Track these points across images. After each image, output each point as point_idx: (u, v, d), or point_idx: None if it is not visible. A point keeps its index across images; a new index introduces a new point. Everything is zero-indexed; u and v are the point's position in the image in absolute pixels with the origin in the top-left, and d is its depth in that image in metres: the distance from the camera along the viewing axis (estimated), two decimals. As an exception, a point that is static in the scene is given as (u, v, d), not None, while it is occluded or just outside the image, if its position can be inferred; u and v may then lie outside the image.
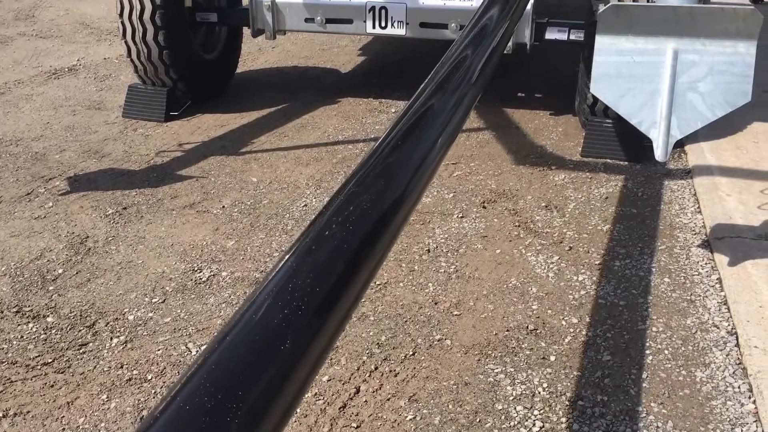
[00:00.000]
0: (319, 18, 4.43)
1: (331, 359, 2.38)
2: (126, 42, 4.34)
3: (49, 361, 2.38)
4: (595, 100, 3.92)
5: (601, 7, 3.74)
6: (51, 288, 2.77)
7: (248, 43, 5.76)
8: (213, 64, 4.86)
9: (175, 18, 4.36)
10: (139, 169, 3.81)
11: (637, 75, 2.49)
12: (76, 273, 2.86)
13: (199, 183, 3.65)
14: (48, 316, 2.61)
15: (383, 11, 4.34)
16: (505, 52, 4.02)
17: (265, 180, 3.70)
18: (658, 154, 2.41)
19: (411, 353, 2.42)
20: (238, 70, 5.33)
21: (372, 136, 4.28)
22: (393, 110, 4.70)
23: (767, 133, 4.06)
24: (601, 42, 2.52)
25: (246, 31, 4.74)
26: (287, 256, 1.13)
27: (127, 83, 4.80)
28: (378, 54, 6.18)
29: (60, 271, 2.88)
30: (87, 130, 4.35)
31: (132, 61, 4.43)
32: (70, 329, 2.54)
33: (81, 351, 2.43)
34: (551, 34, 4.20)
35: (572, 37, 4.16)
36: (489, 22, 2.62)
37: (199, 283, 2.80)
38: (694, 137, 3.82)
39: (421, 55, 5.90)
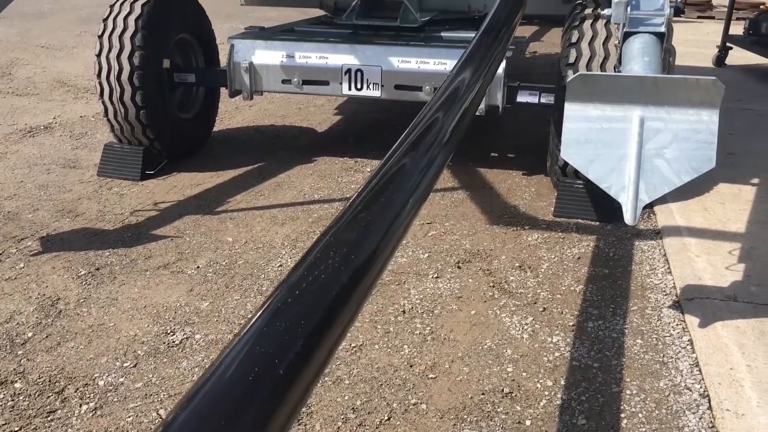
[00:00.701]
0: (296, 79, 4.51)
1: (306, 425, 2.35)
2: (103, 102, 4.37)
3: (16, 429, 2.32)
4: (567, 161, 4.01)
5: (570, 74, 3.88)
6: (20, 352, 2.72)
7: (226, 102, 5.82)
8: (190, 124, 4.90)
9: (153, 78, 4.40)
10: (114, 228, 3.79)
11: (605, 141, 2.56)
12: (46, 336, 2.81)
13: (173, 243, 3.64)
14: (16, 381, 2.55)
15: (359, 73, 4.43)
16: (477, 113, 4.13)
17: (240, 240, 3.70)
18: (628, 218, 2.46)
19: (386, 418, 2.40)
20: (216, 129, 5.38)
21: (347, 195, 4.31)
22: (368, 169, 4.75)
23: (733, 195, 4.17)
24: (571, 109, 2.59)
25: (224, 91, 4.80)
26: (257, 314, 1.13)
27: (103, 141, 4.81)
28: (353, 113, 6.28)
29: (30, 334, 2.83)
30: (61, 189, 4.33)
31: (109, 120, 4.45)
32: (38, 395, 2.48)
33: (49, 419, 2.37)
34: (522, 97, 4.31)
35: (543, 100, 4.27)
36: (461, 85, 2.70)
37: (172, 347, 2.76)
38: (662, 198, 3.91)
39: (396, 115, 6.00)
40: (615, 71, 3.51)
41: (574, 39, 3.94)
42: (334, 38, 4.66)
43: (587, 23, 3.96)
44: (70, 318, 2.95)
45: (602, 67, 3.84)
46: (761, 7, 12.15)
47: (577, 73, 2.50)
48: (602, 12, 2.82)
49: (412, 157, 1.98)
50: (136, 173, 4.47)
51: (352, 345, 2.78)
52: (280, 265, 3.42)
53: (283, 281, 1.26)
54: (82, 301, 3.08)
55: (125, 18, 4.28)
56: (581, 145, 2.59)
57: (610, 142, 2.56)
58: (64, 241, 3.63)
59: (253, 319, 1.13)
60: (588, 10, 4.01)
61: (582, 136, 2.59)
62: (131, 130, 4.44)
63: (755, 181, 4.44)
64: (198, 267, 3.39)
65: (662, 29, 2.58)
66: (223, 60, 4.84)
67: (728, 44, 8.29)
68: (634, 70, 2.56)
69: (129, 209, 4.04)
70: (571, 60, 3.92)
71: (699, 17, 12.57)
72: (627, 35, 2.61)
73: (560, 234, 3.82)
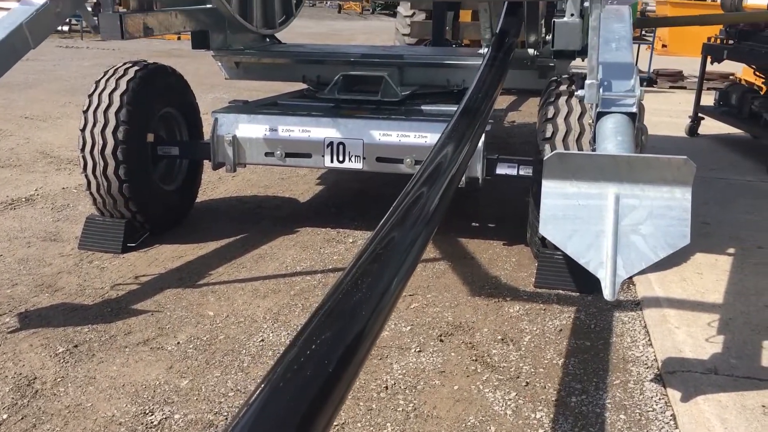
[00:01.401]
0: (279, 152, 4.57)
1: None
2: (86, 175, 4.39)
3: None
4: (546, 234, 4.06)
5: (547, 148, 3.98)
6: (-7, 435, 2.65)
7: (209, 172, 5.86)
8: (173, 196, 4.92)
9: (137, 152, 4.45)
10: (93, 303, 3.76)
11: (582, 217, 2.61)
12: (22, 418, 2.75)
13: (154, 317, 3.61)
14: (-12, 466, 2.49)
15: (341, 146, 4.51)
16: (458, 186, 4.20)
17: (221, 314, 3.67)
18: (607, 293, 2.49)
19: (369, 501, 2.35)
20: (198, 199, 5.40)
21: (330, 267, 4.32)
22: (350, 240, 4.78)
23: (709, 265, 4.23)
24: (548, 186, 2.65)
25: (207, 162, 4.84)
26: (253, 396, 1.16)
27: (84, 213, 4.81)
28: (335, 183, 6.35)
29: (4, 416, 2.76)
30: (41, 263, 4.30)
31: (91, 193, 4.46)
32: (10, 481, 2.41)
33: (21, 506, 2.30)
34: (502, 170, 4.39)
35: (521, 172, 4.35)
36: (444, 160, 2.77)
37: (150, 428, 2.71)
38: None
39: (377, 185, 6.08)
40: (591, 146, 3.60)
41: (550, 114, 4.06)
42: (317, 112, 4.75)
43: (563, 99, 4.08)
44: (46, 398, 2.89)
45: (578, 141, 3.94)
46: (731, 77, 12.60)
47: (554, 152, 2.57)
48: (576, 93, 2.92)
49: (399, 232, 2.03)
50: (117, 246, 4.46)
51: (335, 424, 2.74)
52: (262, 340, 3.40)
53: (279, 360, 1.29)
54: (59, 380, 3.03)
55: (110, 94, 4.35)
56: (559, 221, 2.64)
57: (588, 219, 2.61)
58: (43, 317, 3.59)
59: (253, 397, 1.16)
60: (563, 87, 4.14)
61: (560, 212, 2.64)
62: (113, 203, 4.46)
63: (730, 251, 4.52)
64: (178, 343, 3.36)
65: (634, 110, 2.68)
66: (206, 132, 4.90)
67: (700, 114, 8.54)
68: (608, 149, 2.63)
69: (110, 283, 4.01)
70: (548, 135, 4.02)
71: (671, 87, 12.95)
72: (600, 115, 2.70)
73: (541, 305, 3.84)
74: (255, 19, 5.88)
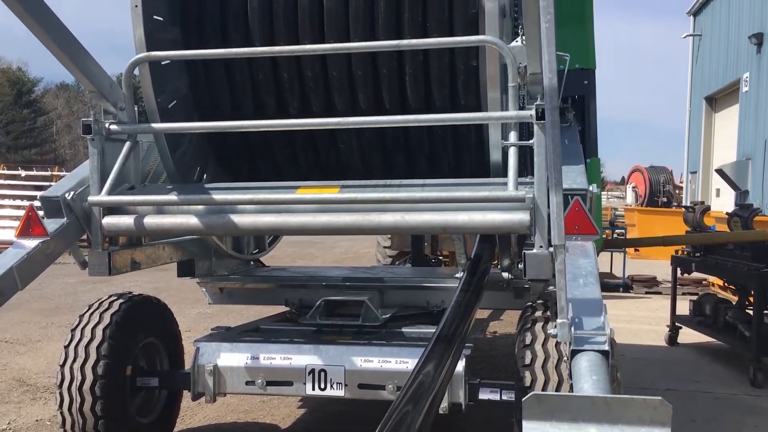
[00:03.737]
0: (259, 381, 4.53)
1: None
2: (62, 413, 4.30)
3: None
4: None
5: (527, 375, 3.98)
6: None
7: (188, 397, 5.76)
8: (149, 428, 4.78)
9: (115, 386, 4.39)
10: None
11: (566, 458, 2.57)
12: None
13: None
14: None
15: (323, 373, 4.49)
16: (441, 412, 4.14)
17: None
18: None
19: None
20: (176, 428, 5.24)
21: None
22: (333, 472, 4.60)
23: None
24: (528, 427, 2.64)
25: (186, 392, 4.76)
26: None
27: (56, 451, 4.64)
28: (318, 405, 6.23)
29: None
30: None
31: (65, 431, 4.34)
32: None
33: None
34: (484, 395, 4.36)
35: (504, 397, 4.33)
36: (426, 378, 2.77)
37: None
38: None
39: (358, 407, 5.96)
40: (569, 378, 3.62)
41: (527, 341, 4.12)
42: (299, 337, 4.79)
43: (539, 325, 4.16)
44: None
45: (557, 368, 3.96)
46: (704, 282, 12.97)
47: (531, 393, 2.59)
48: (549, 332, 3.02)
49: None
50: (88, 487, 4.25)
51: None
52: None
53: None
54: None
55: (93, 328, 4.39)
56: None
57: (571, 459, 2.57)
58: None
59: None
60: (538, 312, 4.25)
61: (542, 454, 2.61)
62: (88, 441, 4.32)
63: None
64: None
65: (606, 347, 2.75)
66: (187, 358, 4.88)
67: (677, 323, 8.67)
68: (585, 389, 2.67)
69: None
70: (527, 362, 4.05)
71: (647, 293, 13.26)
72: (574, 353, 2.76)
73: None
74: (243, 245, 6.10)
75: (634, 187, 40.61)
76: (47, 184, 22.45)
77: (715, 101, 28.61)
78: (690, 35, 30.85)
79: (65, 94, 64.80)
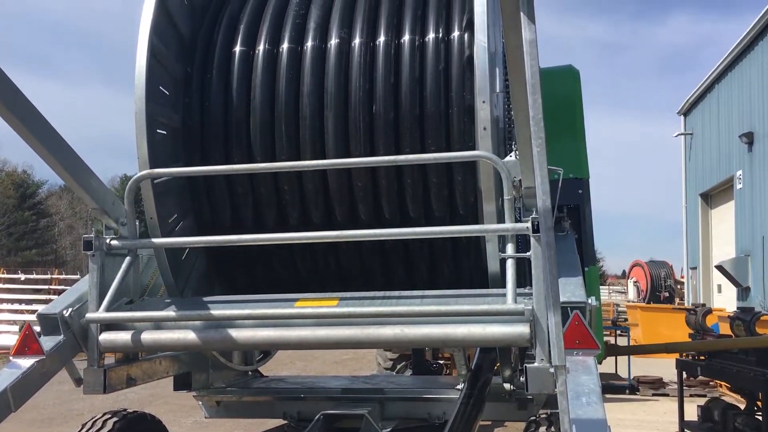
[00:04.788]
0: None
1: None
2: None
3: None
4: None
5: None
6: None
7: None
8: None
9: None
10: None
11: None
12: None
13: None
14: None
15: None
16: None
17: None
18: None
19: None
20: None
21: None
22: None
23: None
24: None
25: None
26: None
27: None
28: None
29: None
30: None
31: None
32: None
33: None
34: None
35: None
36: None
37: None
38: None
39: None
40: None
41: (533, 458, 4.01)
42: (297, 455, 4.65)
43: (543, 443, 4.07)
44: None
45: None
46: (710, 384, 12.71)
47: None
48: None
49: None
50: None
51: None
52: None
53: None
54: None
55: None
56: None
57: None
58: None
59: None
60: (542, 428, 4.16)
61: None
62: None
63: None
64: None
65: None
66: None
67: (686, 430, 8.45)
68: None
69: None
70: (533, 482, 3.94)
71: (654, 395, 12.98)
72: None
73: None
74: (240, 356, 6.02)
75: (635, 282, 40.54)
76: (46, 287, 22.43)
77: (711, 197, 28.97)
78: (682, 134, 31.57)
79: (68, 196, 65.73)
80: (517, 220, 4.20)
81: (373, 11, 4.78)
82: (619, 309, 32.09)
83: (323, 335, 4.05)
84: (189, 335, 4.13)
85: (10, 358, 3.87)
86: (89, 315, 4.09)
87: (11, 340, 18.26)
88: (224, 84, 4.77)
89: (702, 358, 8.02)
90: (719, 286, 26.73)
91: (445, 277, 5.16)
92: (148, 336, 4.16)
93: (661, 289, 38.19)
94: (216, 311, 4.14)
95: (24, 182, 61.30)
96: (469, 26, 4.46)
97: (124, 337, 4.17)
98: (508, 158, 4.20)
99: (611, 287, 57.05)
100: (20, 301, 21.72)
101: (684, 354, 8.48)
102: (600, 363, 3.59)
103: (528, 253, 3.87)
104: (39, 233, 60.42)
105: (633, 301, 36.37)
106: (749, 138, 22.83)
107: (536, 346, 3.77)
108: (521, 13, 2.75)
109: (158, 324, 4.23)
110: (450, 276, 5.17)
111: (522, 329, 3.79)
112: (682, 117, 31.81)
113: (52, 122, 3.76)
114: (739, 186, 24.09)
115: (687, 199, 31.45)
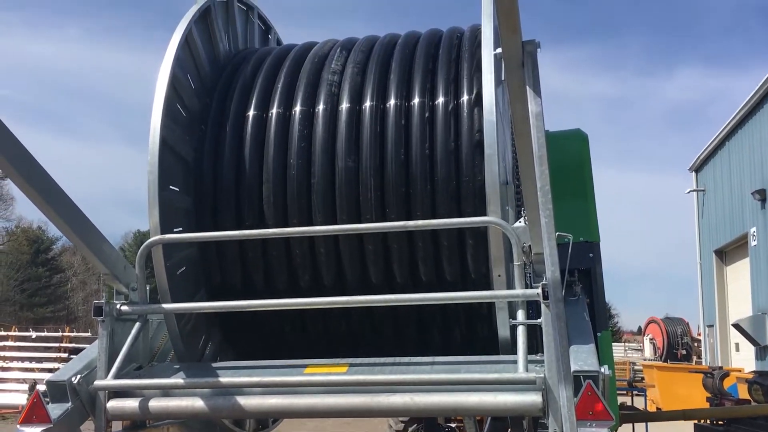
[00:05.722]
0: None
1: None
2: None
3: None
4: None
5: None
6: None
7: None
8: None
9: None
10: None
11: None
12: None
13: None
14: None
15: None
16: None
17: None
18: None
19: None
20: None
21: None
22: None
23: None
24: None
25: None
26: None
27: None
28: None
29: None
30: None
31: None
32: None
33: None
34: None
35: None
36: None
37: None
38: None
39: None
40: None
41: None
42: None
43: None
44: None
45: None
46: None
47: None
48: None
49: None
50: None
51: None
52: None
53: None
54: None
55: None
56: None
57: None
58: None
59: None
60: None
61: None
62: None
63: None
64: None
65: None
66: None
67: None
68: None
69: None
70: None
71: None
72: None
73: None
74: (248, 423, 5.93)
75: (651, 339, 39.82)
76: (56, 345, 22.34)
77: (725, 254, 28.66)
78: (694, 190, 31.46)
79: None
80: (528, 285, 4.18)
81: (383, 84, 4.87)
82: (636, 368, 31.47)
83: (332, 403, 3.99)
84: (197, 402, 4.09)
85: (18, 426, 3.84)
86: (97, 382, 4.07)
87: (21, 399, 18.12)
88: (236, 158, 4.86)
89: (720, 422, 7.83)
90: (737, 345, 26.21)
91: (457, 341, 5.10)
92: (156, 403, 4.12)
93: (678, 346, 37.50)
94: (224, 378, 4.11)
95: (39, 238, 61.74)
96: (478, 100, 4.52)
97: (132, 404, 4.13)
98: (517, 224, 4.20)
99: (627, 344, 56.08)
100: (31, 359, 21.63)
101: (702, 419, 8.28)
102: (616, 429, 3.50)
103: (539, 320, 3.83)
104: (52, 289, 60.48)
105: (649, 359, 35.72)
106: (762, 195, 22.71)
107: (549, 415, 3.69)
108: (527, 87, 2.79)
109: (167, 391, 4.19)
110: (462, 340, 5.11)
111: (534, 398, 3.72)
112: (693, 173, 31.77)
113: (61, 178, 3.83)
114: (753, 243, 23.85)
115: (701, 256, 31.12)
